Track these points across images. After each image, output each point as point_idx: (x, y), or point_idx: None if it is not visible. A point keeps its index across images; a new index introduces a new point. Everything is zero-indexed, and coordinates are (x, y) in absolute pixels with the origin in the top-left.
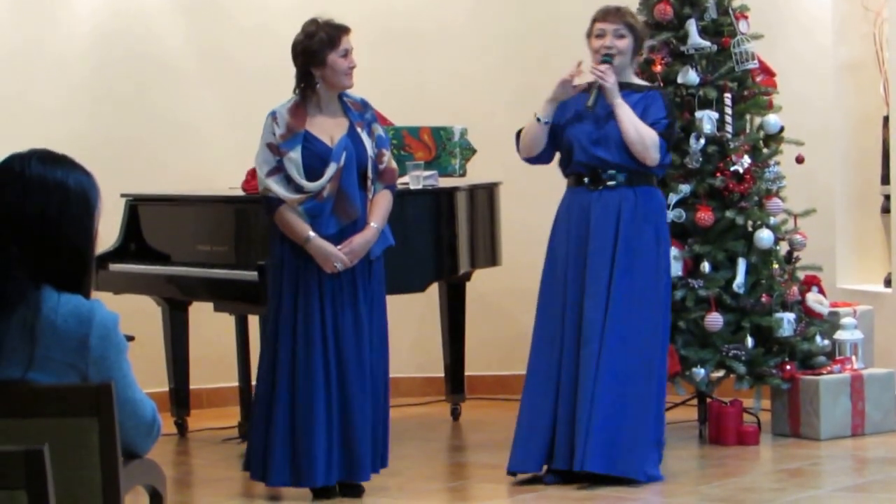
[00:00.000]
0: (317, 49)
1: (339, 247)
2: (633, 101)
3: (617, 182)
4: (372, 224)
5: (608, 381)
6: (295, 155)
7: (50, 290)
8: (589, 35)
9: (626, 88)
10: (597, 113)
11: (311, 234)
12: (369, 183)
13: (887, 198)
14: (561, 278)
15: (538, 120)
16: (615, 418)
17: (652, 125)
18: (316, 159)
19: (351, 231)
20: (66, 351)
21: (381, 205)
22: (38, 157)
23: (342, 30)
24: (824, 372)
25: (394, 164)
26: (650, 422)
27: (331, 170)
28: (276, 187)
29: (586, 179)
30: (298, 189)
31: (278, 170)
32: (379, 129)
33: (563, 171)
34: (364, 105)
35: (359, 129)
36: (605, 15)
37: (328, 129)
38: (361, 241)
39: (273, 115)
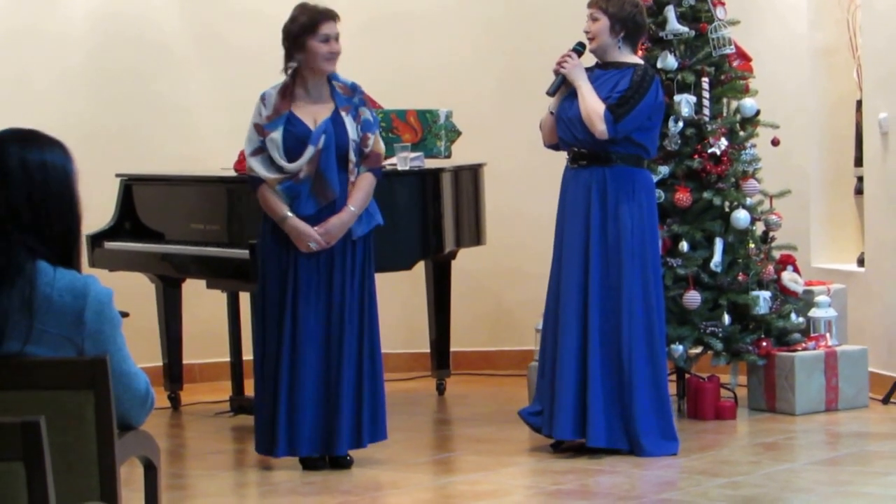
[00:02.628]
0: (297, 33)
1: (315, 227)
2: (607, 77)
3: (588, 161)
4: (350, 207)
5: (593, 357)
6: (276, 136)
7: (45, 266)
8: None
9: (610, 67)
10: (573, 94)
11: (288, 213)
12: (352, 166)
13: (860, 179)
14: (554, 257)
15: (551, 112)
16: (609, 395)
17: (606, 98)
18: (296, 141)
19: (329, 212)
20: (62, 325)
21: (361, 188)
22: (12, 140)
23: (324, 15)
24: (799, 349)
25: (380, 149)
26: (644, 396)
27: (308, 152)
28: (258, 167)
29: (569, 156)
30: (279, 169)
31: (261, 150)
32: (366, 113)
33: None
34: (353, 89)
35: (343, 114)
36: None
37: (313, 111)
38: (337, 222)
39: (262, 97)
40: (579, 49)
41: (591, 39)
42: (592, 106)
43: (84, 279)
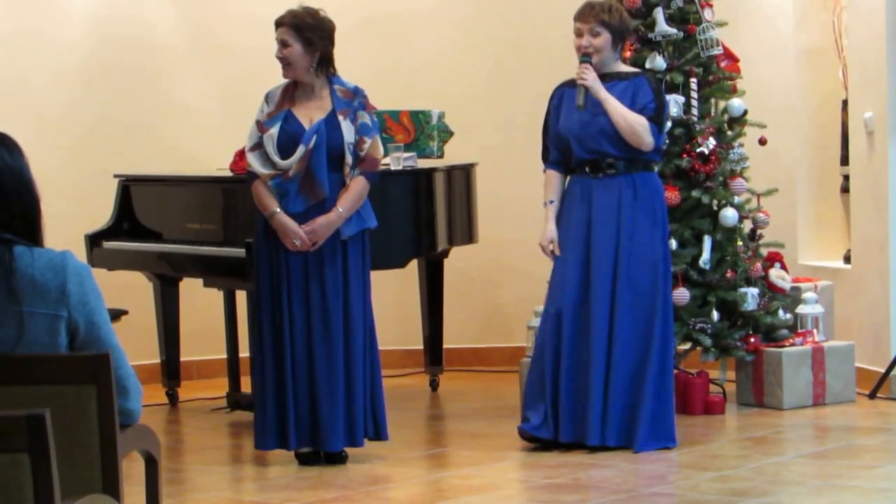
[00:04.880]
0: None
1: (302, 226)
2: (620, 89)
3: (617, 170)
4: (338, 208)
5: (620, 360)
6: (274, 131)
7: (22, 249)
8: (574, 30)
9: (613, 79)
10: (588, 108)
11: (277, 209)
12: (347, 168)
13: (846, 178)
14: (569, 261)
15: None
16: (629, 395)
17: (640, 111)
18: (289, 138)
19: (318, 211)
20: (48, 302)
21: (351, 190)
22: None
23: (276, 22)
24: (787, 344)
25: (377, 154)
26: (653, 392)
27: (299, 151)
28: (254, 162)
29: (587, 168)
30: (274, 165)
31: (259, 146)
32: (365, 117)
33: (565, 160)
34: (355, 93)
35: (340, 117)
36: (581, 14)
37: (310, 112)
38: (324, 222)
39: (266, 95)
40: (588, 60)
41: (588, 54)
42: (635, 118)
43: (61, 255)
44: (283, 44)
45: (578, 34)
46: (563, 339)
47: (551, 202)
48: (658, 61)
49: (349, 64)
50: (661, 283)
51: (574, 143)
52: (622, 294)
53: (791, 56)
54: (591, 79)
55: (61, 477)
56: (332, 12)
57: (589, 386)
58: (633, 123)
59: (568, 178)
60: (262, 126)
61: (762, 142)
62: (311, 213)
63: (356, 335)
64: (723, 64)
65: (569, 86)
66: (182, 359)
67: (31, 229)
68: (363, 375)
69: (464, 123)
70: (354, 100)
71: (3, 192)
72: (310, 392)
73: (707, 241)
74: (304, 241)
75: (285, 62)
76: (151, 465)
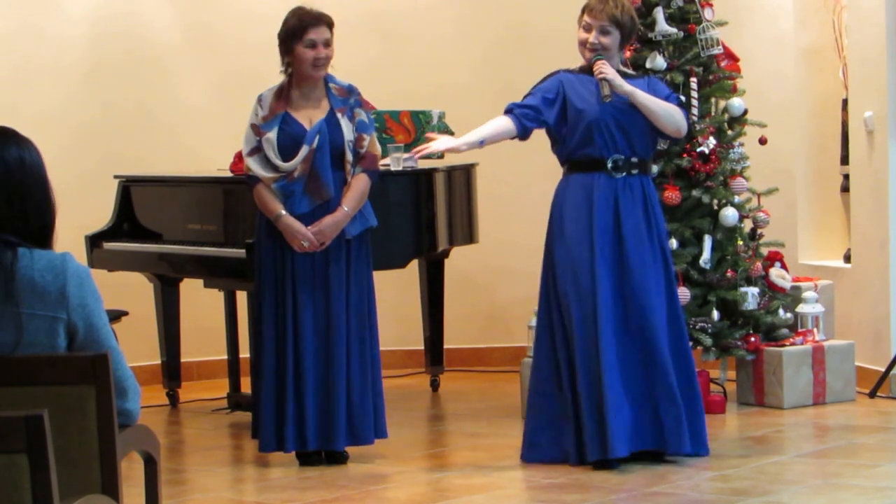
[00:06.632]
0: (284, 38)
1: (309, 227)
2: (638, 85)
3: (639, 171)
4: (343, 207)
5: (670, 361)
6: (272, 135)
7: (22, 251)
8: (579, 21)
9: (622, 77)
10: (612, 104)
11: (283, 212)
12: (349, 166)
13: (846, 177)
14: (585, 264)
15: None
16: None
17: (666, 99)
18: (290, 140)
19: (324, 211)
20: (47, 304)
21: (355, 188)
22: None
23: (312, 21)
24: (787, 344)
25: (376, 150)
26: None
27: (303, 151)
28: (255, 166)
29: (609, 165)
30: (275, 168)
31: (258, 150)
32: (362, 115)
33: (571, 154)
34: (350, 91)
35: (339, 115)
36: (591, 9)
37: (308, 112)
38: (331, 222)
39: (259, 98)
40: (602, 57)
41: (594, 50)
42: (673, 107)
43: (61, 256)
44: (326, 43)
45: (587, 29)
46: (602, 345)
47: (481, 143)
48: (658, 61)
49: (348, 62)
50: (673, 277)
51: (598, 136)
52: (658, 299)
53: (791, 55)
54: (611, 73)
55: (60, 477)
56: (338, 13)
57: (615, 396)
58: (671, 111)
59: (572, 173)
60: (258, 130)
61: (762, 141)
62: (316, 213)
63: (359, 334)
64: (723, 63)
65: (575, 73)
66: (182, 360)
67: (42, 233)
68: (367, 374)
69: (464, 123)
70: (350, 97)
71: (21, 194)
72: (315, 392)
73: (707, 241)
74: (311, 243)
75: (326, 62)
76: (151, 465)
